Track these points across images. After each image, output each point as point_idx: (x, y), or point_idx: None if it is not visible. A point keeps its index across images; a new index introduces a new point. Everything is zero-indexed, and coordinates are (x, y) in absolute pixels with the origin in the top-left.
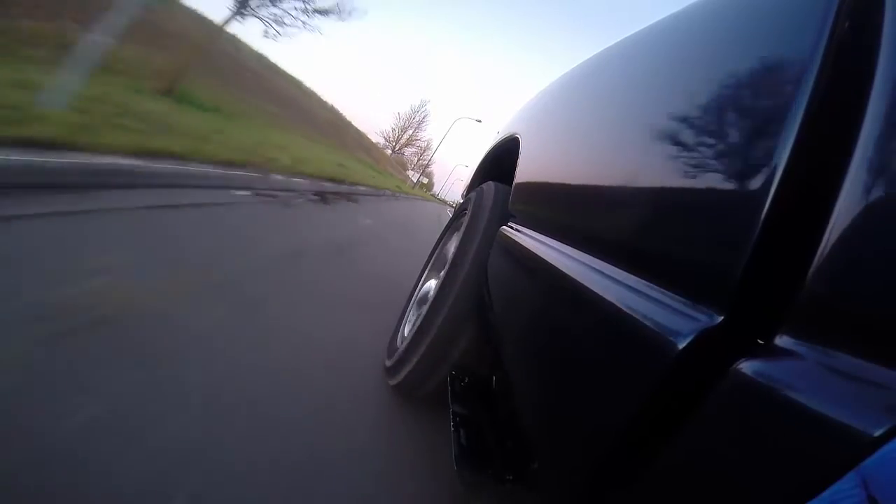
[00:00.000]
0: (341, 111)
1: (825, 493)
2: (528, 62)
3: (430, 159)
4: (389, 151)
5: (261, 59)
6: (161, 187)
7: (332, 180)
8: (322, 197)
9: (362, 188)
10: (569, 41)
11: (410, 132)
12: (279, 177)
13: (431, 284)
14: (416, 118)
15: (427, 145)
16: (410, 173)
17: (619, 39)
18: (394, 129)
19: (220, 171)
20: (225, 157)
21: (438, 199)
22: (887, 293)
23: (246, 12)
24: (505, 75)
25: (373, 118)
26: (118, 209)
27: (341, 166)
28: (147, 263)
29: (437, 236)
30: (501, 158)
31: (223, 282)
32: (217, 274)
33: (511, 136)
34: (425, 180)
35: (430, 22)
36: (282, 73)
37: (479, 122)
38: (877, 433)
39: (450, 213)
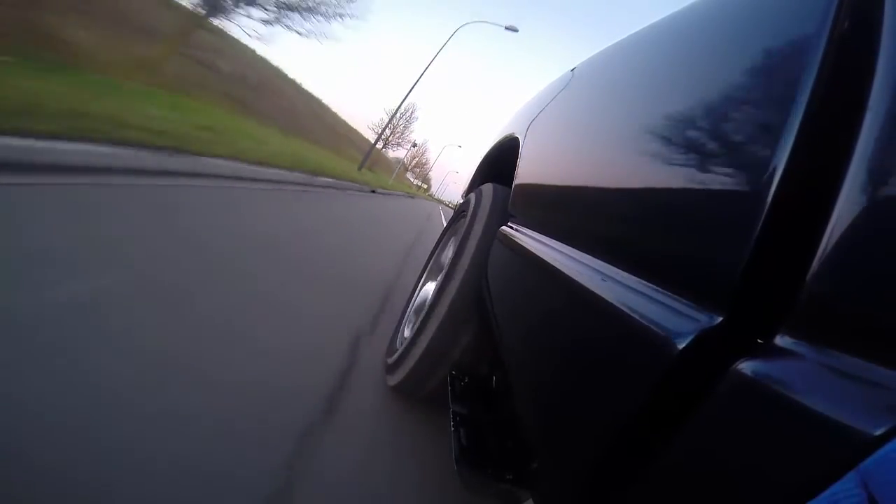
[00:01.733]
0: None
1: (825, 493)
2: (526, 62)
3: (427, 173)
4: (382, 145)
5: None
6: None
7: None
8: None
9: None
10: (568, 41)
11: (400, 129)
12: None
13: (431, 286)
14: (405, 117)
15: (426, 161)
16: (410, 176)
17: (619, 39)
18: (382, 123)
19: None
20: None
21: (435, 199)
22: (887, 293)
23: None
24: (504, 75)
25: (367, 116)
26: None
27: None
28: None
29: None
30: (501, 159)
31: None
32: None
33: (510, 136)
34: (425, 186)
35: (426, 21)
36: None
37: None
38: (877, 433)
39: (440, 209)
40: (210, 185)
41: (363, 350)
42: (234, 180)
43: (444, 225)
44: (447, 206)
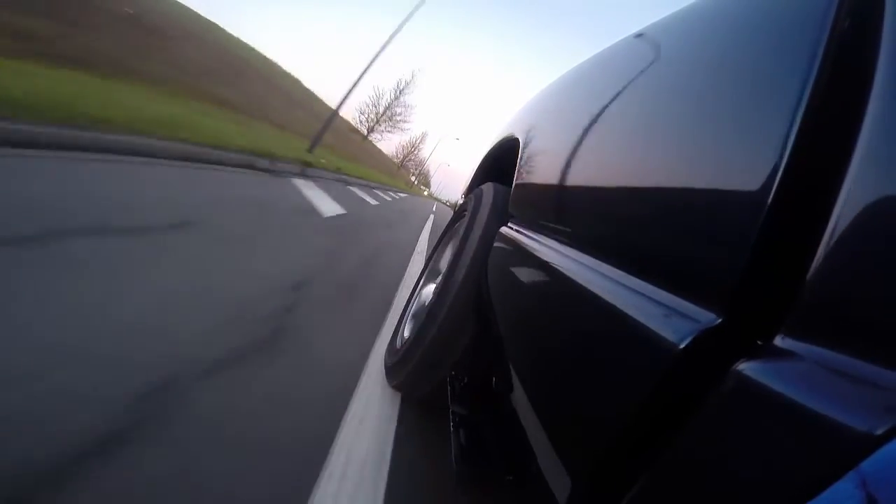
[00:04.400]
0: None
1: (825, 493)
2: (526, 62)
3: (428, 175)
4: (365, 131)
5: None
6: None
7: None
8: (420, 196)
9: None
10: (569, 41)
11: (392, 105)
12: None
13: (431, 286)
14: (399, 89)
15: (425, 164)
16: (413, 178)
17: (619, 39)
18: (371, 104)
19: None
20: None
21: (434, 198)
22: (887, 293)
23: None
24: (502, 75)
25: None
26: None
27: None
28: None
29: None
30: (501, 159)
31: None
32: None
33: (510, 136)
34: (425, 190)
35: (424, 19)
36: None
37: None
38: (877, 433)
39: (434, 206)
40: None
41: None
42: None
43: (429, 199)
44: (444, 204)
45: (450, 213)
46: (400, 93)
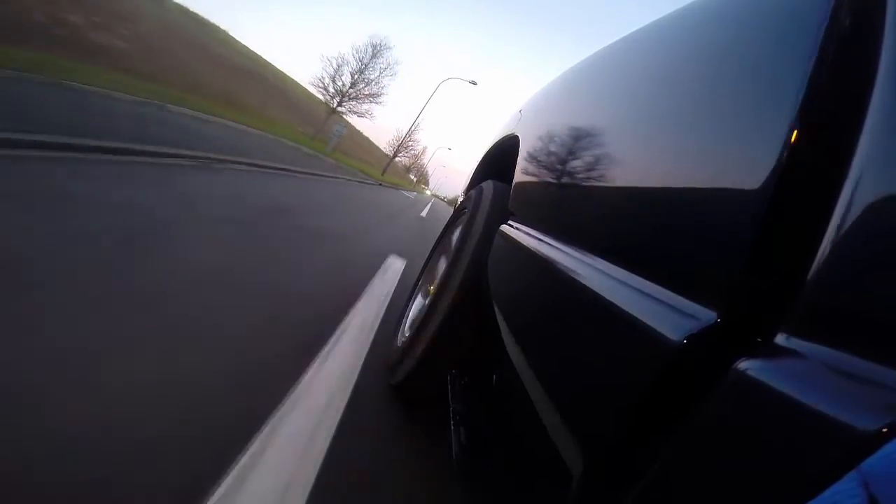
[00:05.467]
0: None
1: (825, 493)
2: (525, 60)
3: (427, 176)
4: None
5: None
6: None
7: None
8: (421, 193)
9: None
10: (568, 40)
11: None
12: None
13: (432, 284)
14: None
15: (424, 168)
16: (412, 177)
17: (619, 38)
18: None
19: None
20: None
21: (433, 195)
22: (887, 292)
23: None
24: (501, 73)
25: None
26: None
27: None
28: None
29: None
30: (501, 157)
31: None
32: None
33: (511, 134)
34: (427, 191)
35: (423, 18)
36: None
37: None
38: (878, 432)
39: (432, 201)
40: None
41: None
42: None
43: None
44: (441, 200)
45: (442, 205)
46: (363, 68)
